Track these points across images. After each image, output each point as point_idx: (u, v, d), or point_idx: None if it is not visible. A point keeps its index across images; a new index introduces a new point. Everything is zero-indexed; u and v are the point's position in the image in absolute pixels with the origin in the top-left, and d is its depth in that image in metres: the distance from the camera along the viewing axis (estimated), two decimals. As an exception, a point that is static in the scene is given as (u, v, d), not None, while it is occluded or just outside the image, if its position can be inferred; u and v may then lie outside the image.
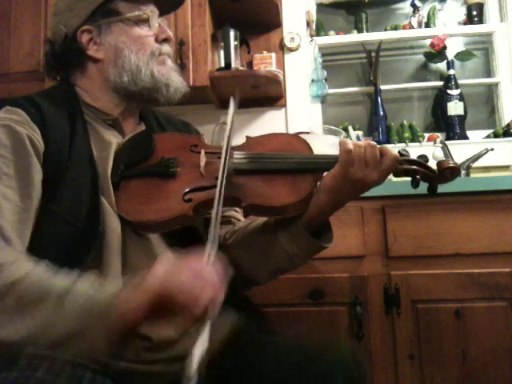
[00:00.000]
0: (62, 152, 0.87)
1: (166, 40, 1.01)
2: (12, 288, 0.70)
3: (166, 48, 1.01)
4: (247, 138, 1.01)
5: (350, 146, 0.86)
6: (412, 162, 0.91)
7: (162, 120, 1.09)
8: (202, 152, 0.94)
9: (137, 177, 0.92)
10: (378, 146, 0.88)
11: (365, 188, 0.89)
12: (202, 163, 0.92)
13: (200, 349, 0.62)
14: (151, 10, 1.00)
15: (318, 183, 0.91)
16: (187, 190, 0.89)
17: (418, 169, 0.91)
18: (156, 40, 0.99)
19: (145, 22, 0.98)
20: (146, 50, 0.97)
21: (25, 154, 0.83)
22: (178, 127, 1.11)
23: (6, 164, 0.81)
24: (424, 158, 0.93)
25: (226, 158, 0.85)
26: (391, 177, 0.93)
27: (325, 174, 0.91)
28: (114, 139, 0.96)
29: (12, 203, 0.79)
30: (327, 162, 0.91)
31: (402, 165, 0.90)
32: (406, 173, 0.91)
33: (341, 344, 0.87)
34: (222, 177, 0.82)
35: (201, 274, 0.67)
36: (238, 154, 0.92)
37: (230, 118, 0.92)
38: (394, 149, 0.90)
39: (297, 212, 0.90)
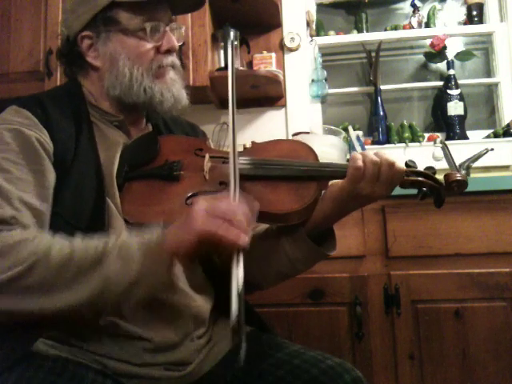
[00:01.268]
0: (68, 152, 0.86)
1: (169, 51, 0.96)
2: (69, 259, 0.72)
3: (169, 59, 0.96)
4: (253, 143, 1.00)
5: (360, 163, 0.85)
6: (419, 173, 0.90)
7: (169, 121, 1.08)
8: (207, 156, 0.94)
9: (140, 178, 0.91)
10: (384, 157, 0.86)
11: (371, 201, 0.89)
12: (206, 168, 0.91)
13: (236, 284, 0.67)
14: (154, 20, 0.94)
15: (323, 191, 0.91)
16: (190, 194, 0.88)
17: (424, 181, 0.90)
18: (158, 51, 0.95)
19: (146, 32, 0.93)
20: (142, 64, 0.93)
21: (37, 158, 0.83)
22: (184, 129, 1.10)
23: (19, 169, 0.81)
24: (431, 169, 0.91)
25: (234, 151, 0.84)
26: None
27: (331, 182, 0.91)
28: (120, 140, 0.95)
29: (30, 207, 0.79)
30: (333, 171, 0.91)
31: (409, 176, 0.89)
32: (412, 184, 0.90)
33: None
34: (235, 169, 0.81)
35: (234, 208, 0.71)
36: (242, 159, 0.91)
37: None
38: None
39: (300, 220, 0.89)
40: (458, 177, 0.90)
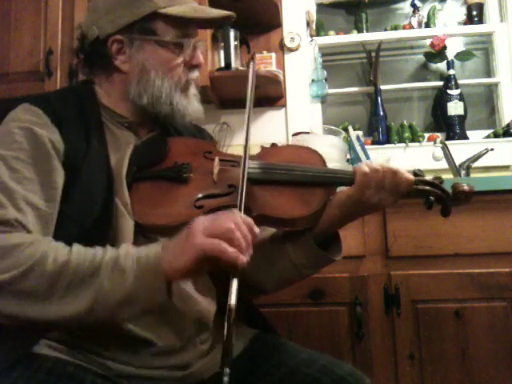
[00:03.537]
0: (78, 152, 0.86)
1: (196, 66, 0.98)
2: (64, 268, 0.70)
3: (194, 74, 0.98)
4: (262, 147, 1.01)
5: (367, 169, 0.87)
6: (426, 182, 0.91)
7: (177, 124, 1.07)
8: (216, 159, 0.94)
9: (149, 179, 0.91)
10: (387, 166, 0.88)
11: (378, 209, 0.91)
12: (216, 170, 0.92)
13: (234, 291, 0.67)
14: (187, 35, 0.96)
15: (331, 197, 0.91)
16: (199, 196, 0.88)
17: (431, 190, 0.90)
18: (185, 65, 0.96)
19: (179, 46, 0.95)
20: (172, 77, 0.95)
21: (46, 157, 0.82)
22: (192, 132, 1.10)
23: (28, 168, 0.80)
24: (439, 179, 0.92)
25: (246, 150, 0.85)
26: None
27: (339, 189, 0.91)
28: (131, 141, 0.95)
29: (35, 208, 0.78)
30: (340, 178, 0.91)
31: (417, 185, 0.90)
32: (419, 193, 0.91)
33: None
34: (243, 171, 0.82)
35: (234, 227, 0.69)
36: (251, 164, 0.91)
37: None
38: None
39: (307, 225, 0.89)
40: (466, 188, 0.90)
